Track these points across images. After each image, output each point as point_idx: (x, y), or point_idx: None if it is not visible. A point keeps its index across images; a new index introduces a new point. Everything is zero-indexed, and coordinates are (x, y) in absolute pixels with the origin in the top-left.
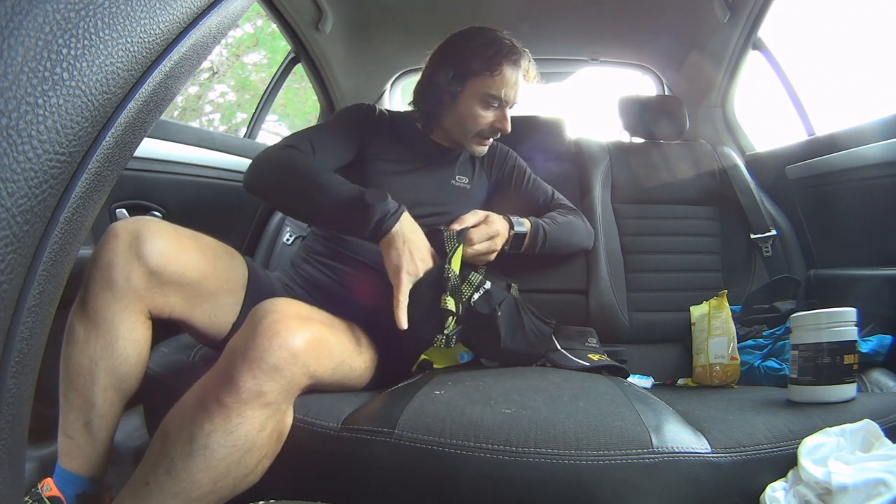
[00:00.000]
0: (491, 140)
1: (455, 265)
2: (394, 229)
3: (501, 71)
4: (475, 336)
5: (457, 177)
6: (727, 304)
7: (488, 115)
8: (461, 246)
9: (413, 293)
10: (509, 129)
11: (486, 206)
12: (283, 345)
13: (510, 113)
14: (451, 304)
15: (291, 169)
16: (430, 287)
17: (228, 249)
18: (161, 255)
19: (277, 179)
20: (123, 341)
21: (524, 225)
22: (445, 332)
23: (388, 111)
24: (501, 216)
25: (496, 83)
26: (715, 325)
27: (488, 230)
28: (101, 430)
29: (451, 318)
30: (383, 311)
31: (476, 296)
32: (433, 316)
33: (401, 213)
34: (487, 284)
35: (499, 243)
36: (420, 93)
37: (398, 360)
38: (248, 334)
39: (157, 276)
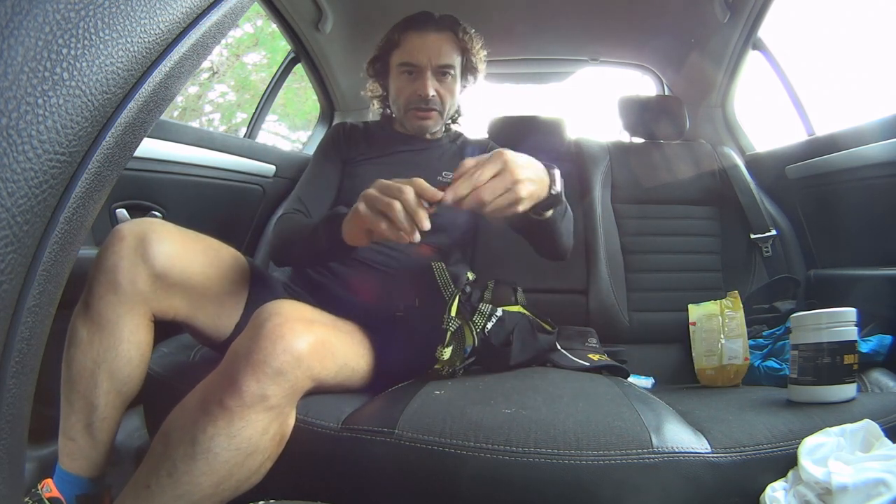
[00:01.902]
0: (432, 114)
1: (454, 312)
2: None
3: (404, 39)
4: (485, 359)
5: (444, 173)
6: (741, 305)
7: (410, 85)
8: (459, 293)
9: (412, 324)
10: (429, 91)
11: None
12: (286, 348)
13: (441, 81)
14: (447, 354)
15: (289, 240)
16: (426, 337)
17: (232, 251)
18: (167, 258)
19: (286, 252)
20: (127, 344)
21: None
22: (458, 364)
23: (363, 122)
24: (538, 163)
25: (404, 52)
26: (731, 326)
27: (504, 184)
28: (103, 433)
29: (450, 355)
30: (383, 312)
31: (489, 325)
32: (431, 356)
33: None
34: (499, 312)
35: (521, 191)
36: (371, 91)
37: (398, 362)
38: (252, 337)
39: (162, 280)
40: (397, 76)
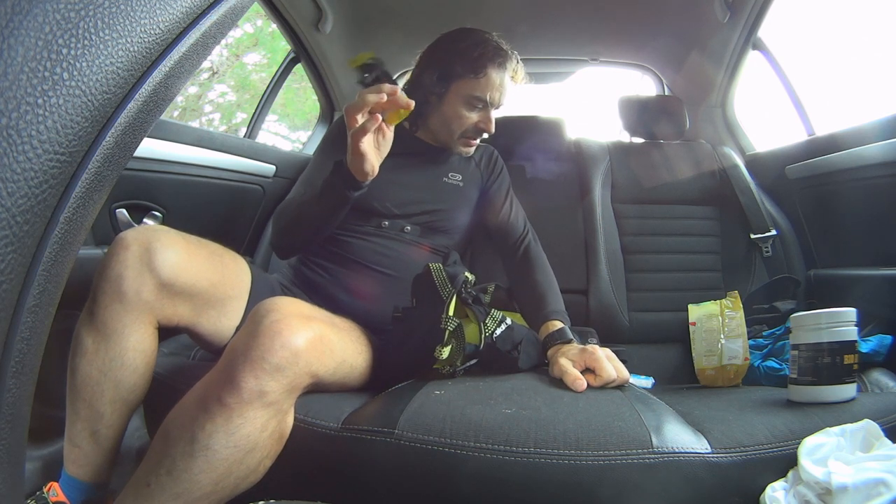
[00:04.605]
0: (477, 140)
1: (451, 312)
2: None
3: (486, 73)
4: (488, 362)
5: (449, 174)
6: (741, 305)
7: (473, 117)
8: (456, 293)
9: (410, 324)
10: (493, 129)
11: (477, 205)
12: (284, 344)
13: (495, 114)
14: (445, 353)
15: (294, 211)
16: (424, 337)
17: (234, 255)
18: (172, 266)
19: (292, 225)
20: (133, 353)
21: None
22: (459, 364)
23: None
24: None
25: (481, 85)
26: (731, 326)
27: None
28: (108, 440)
29: (449, 354)
30: (380, 313)
31: (498, 331)
32: (429, 356)
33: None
34: (508, 321)
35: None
36: (407, 93)
37: (396, 361)
38: (250, 333)
39: (168, 288)
40: (463, 103)
